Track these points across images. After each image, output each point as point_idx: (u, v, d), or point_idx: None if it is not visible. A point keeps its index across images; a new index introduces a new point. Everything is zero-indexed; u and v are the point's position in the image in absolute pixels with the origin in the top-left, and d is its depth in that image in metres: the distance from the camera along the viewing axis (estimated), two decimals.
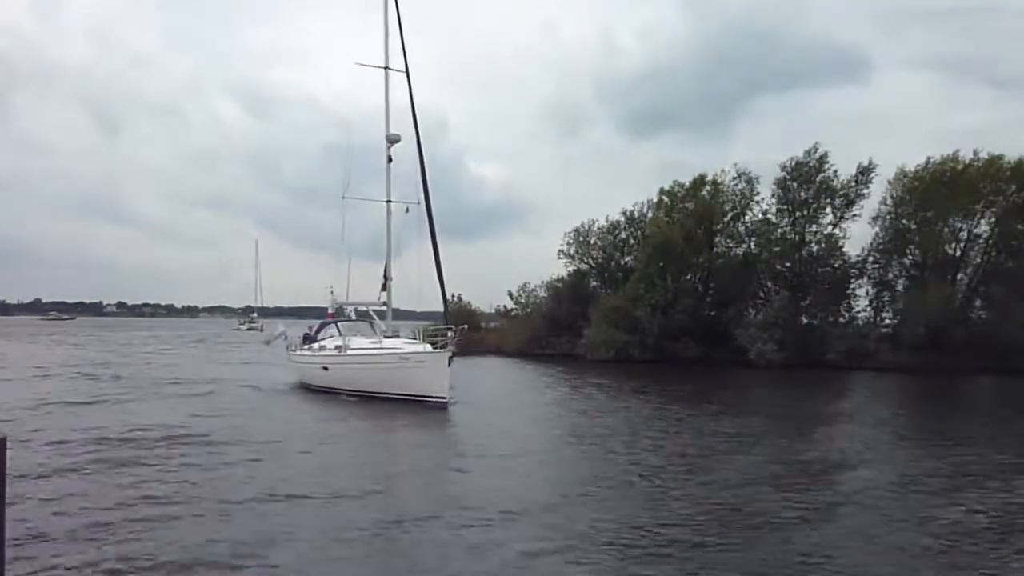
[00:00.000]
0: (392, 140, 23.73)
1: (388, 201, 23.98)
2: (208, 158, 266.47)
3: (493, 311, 51.24)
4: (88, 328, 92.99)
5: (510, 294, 50.44)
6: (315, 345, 24.20)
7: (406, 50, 22.97)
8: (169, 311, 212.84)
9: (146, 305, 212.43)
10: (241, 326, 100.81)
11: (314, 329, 26.22)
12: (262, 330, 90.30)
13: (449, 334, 19.61)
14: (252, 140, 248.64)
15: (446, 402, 18.96)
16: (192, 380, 25.21)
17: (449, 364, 19.23)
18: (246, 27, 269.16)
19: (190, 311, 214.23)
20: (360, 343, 21.97)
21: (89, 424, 14.69)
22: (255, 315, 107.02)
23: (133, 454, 11.90)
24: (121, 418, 15.71)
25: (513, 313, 50.14)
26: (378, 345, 21.24)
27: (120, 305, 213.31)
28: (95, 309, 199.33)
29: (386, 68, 23.92)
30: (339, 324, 25.10)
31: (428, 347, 20.02)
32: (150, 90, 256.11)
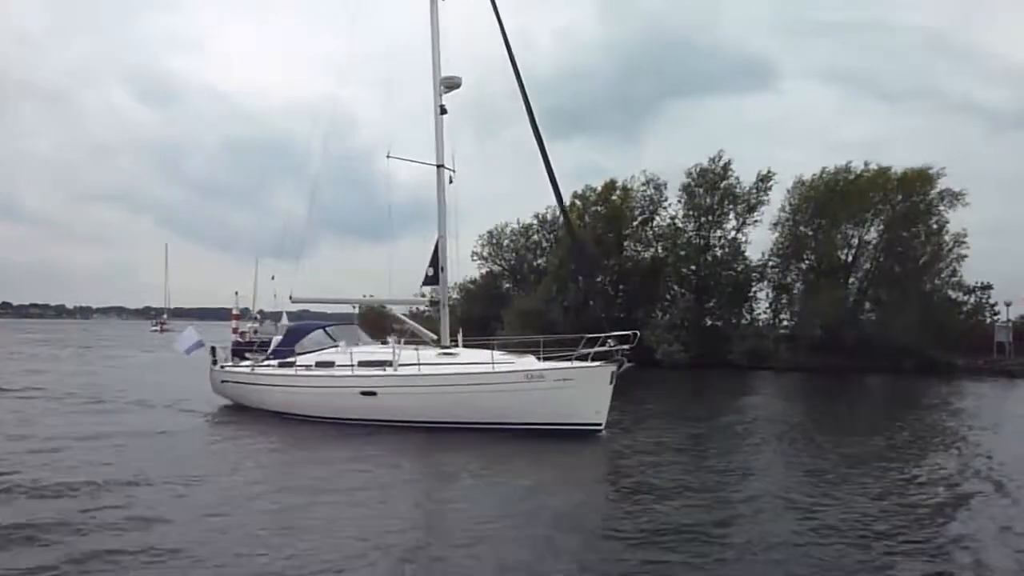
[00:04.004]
0: (450, 86, 18.40)
1: (439, 166, 18.58)
2: (102, 149, 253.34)
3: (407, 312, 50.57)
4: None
5: (423, 295, 49.86)
6: (298, 360, 17.78)
7: None
8: (59, 312, 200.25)
9: (34, 306, 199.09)
10: (155, 328, 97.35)
11: (278, 337, 20.24)
12: (162, 331, 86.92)
13: (610, 342, 14.82)
14: (150, 132, 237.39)
15: (600, 428, 14.75)
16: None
17: (612, 382, 14.62)
18: (142, 12, 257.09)
19: (83, 312, 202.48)
20: (414, 356, 16.01)
21: None
22: (165, 316, 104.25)
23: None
24: None
25: (426, 314, 49.57)
26: (456, 360, 16.17)
27: (5, 305, 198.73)
28: None
29: None
30: (328, 329, 19.42)
31: (533, 360, 15.81)
32: (37, 74, 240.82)
